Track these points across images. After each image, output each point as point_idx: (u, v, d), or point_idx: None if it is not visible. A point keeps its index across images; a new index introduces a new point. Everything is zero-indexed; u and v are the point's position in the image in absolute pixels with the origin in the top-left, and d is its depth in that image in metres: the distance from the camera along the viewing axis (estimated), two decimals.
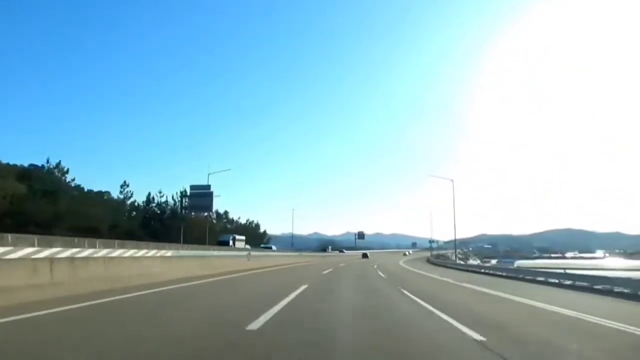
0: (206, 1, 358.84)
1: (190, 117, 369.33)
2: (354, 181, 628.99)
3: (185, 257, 15.87)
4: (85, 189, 46.97)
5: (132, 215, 51.21)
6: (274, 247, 46.15)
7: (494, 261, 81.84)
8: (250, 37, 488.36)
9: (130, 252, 12.29)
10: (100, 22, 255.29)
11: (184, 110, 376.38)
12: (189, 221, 56.73)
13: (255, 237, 76.76)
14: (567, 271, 22.49)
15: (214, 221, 70.17)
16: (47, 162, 38.48)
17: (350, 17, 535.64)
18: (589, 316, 8.72)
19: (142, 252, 13.05)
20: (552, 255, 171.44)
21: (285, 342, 5.54)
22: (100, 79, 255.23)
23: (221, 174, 59.05)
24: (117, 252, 11.58)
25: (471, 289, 15.95)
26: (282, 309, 8.52)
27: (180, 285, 12.79)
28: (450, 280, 20.89)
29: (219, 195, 60.88)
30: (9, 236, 8.26)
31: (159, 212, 55.14)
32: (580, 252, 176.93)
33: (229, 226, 76.42)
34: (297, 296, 11.06)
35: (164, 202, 56.36)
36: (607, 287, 15.56)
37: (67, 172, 39.84)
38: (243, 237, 51.61)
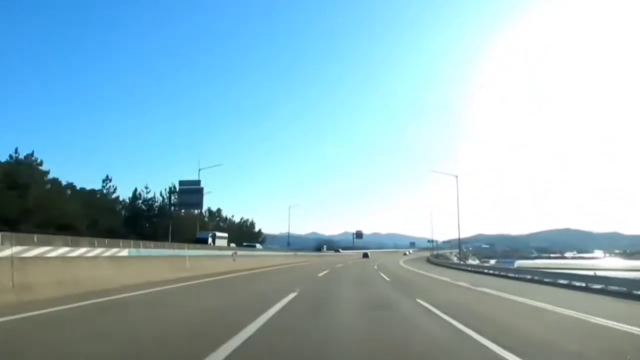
0: (206, 1, 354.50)
1: (189, 117, 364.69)
2: (353, 181, 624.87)
3: (148, 257, 12.82)
4: (64, 183, 43.76)
5: (117, 212, 47.90)
6: (258, 246, 41.71)
7: (492, 261, 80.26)
8: (249, 37, 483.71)
9: (59, 252, 9.22)
10: (100, 22, 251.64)
11: (183, 110, 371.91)
12: (177, 219, 53.54)
13: (250, 236, 73.84)
14: (574, 271, 21.44)
15: (206, 219, 67.12)
16: (16, 152, 35.08)
17: (350, 17, 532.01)
18: None
19: (79, 252, 9.98)
20: (552, 255, 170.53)
21: None
22: (99, 79, 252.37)
23: (220, 175, 56.14)
24: (36, 252, 8.50)
25: (496, 296, 12.97)
26: (254, 335, 5.53)
27: (128, 294, 9.72)
28: (465, 284, 17.88)
29: (210, 192, 57.91)
30: None
31: (145, 208, 51.84)
32: (578, 252, 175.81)
33: (222, 224, 73.50)
34: (279, 311, 8.04)
35: (151, 199, 53.09)
36: None
37: (40, 164, 36.51)
38: (225, 235, 46.64)
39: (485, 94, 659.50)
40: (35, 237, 8.79)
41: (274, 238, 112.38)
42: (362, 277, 22.51)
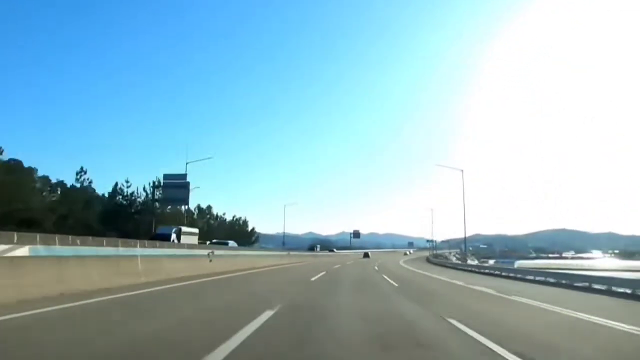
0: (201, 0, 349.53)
1: (185, 116, 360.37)
2: (350, 181, 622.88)
3: (70, 257, 9.29)
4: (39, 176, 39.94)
5: (93, 207, 44.04)
6: (231, 243, 34.67)
7: (491, 261, 78.50)
8: (245, 37, 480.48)
9: None
10: (98, 20, 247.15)
11: (177, 109, 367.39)
12: (162, 216, 49.77)
13: (243, 235, 70.36)
14: (577, 272, 21.82)
15: (195, 217, 63.39)
16: None
17: (346, 17, 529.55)
18: None
19: None
20: (550, 255, 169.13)
21: None
22: (96, 77, 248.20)
23: (217, 174, 52.30)
24: None
25: (549, 310, 9.44)
26: None
27: (6, 316, 6.17)
28: (488, 290, 14.38)
29: (198, 187, 53.80)
30: None
31: (125, 203, 47.96)
32: (576, 253, 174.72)
33: (212, 222, 69.93)
34: (239, 346, 4.49)
35: (132, 193, 49.24)
36: None
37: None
38: (195, 230, 38.16)
39: (484, 94, 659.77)
40: None
41: (271, 238, 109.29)
42: (364, 281, 18.98)
